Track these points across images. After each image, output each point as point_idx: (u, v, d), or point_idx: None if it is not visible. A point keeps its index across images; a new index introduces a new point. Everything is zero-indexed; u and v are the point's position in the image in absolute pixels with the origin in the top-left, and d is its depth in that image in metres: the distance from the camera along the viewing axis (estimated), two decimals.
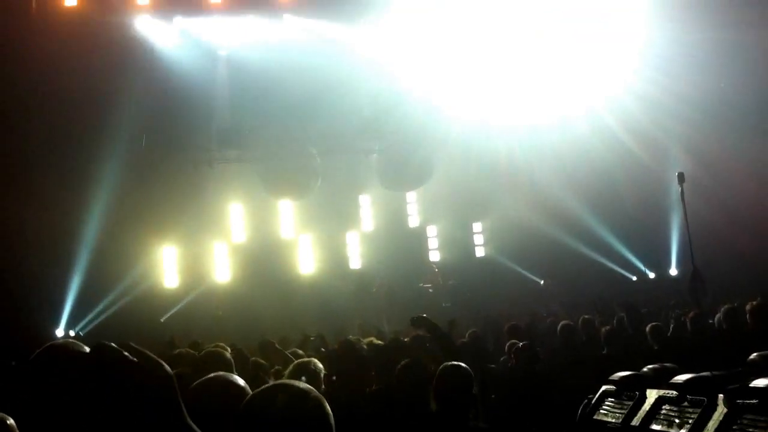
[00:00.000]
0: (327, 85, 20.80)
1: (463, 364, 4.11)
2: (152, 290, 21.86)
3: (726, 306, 9.56)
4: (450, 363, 4.09)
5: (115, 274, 20.75)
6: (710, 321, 8.83)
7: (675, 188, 10.57)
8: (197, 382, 2.69)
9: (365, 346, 5.38)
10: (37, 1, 19.84)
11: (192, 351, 6.12)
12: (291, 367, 4.25)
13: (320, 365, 4.22)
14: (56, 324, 20.08)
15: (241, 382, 2.65)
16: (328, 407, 2.05)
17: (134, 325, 19.01)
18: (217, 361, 3.88)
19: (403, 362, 4.65)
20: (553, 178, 22.98)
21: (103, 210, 20.38)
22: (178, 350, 6.81)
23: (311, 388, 2.10)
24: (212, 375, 2.71)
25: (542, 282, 23.11)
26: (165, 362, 1.82)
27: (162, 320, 21.18)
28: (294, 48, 21.09)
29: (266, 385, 2.12)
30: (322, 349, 9.50)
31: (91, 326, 20.41)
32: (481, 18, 21.54)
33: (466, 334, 10.14)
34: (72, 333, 20.18)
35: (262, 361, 6.25)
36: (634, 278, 23.44)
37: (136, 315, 19.90)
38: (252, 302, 20.46)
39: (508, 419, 4.63)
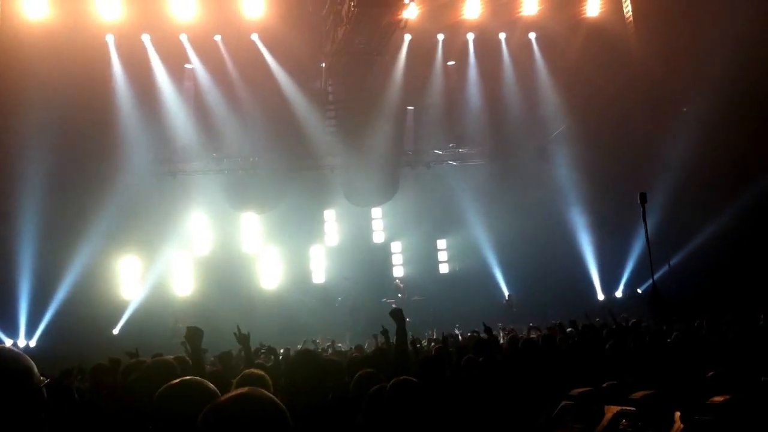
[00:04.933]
0: None
1: (413, 379, 4.11)
2: (109, 301, 21.49)
3: (685, 323, 9.69)
4: (402, 378, 4.09)
5: (72, 285, 20.34)
6: (668, 340, 8.92)
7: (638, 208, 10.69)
8: (167, 385, 2.64)
9: (325, 356, 5.36)
10: (2, 13, 19.58)
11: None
12: (238, 378, 4.19)
13: (266, 376, 4.16)
14: (8, 334, 19.60)
15: (211, 386, 2.61)
16: (289, 416, 2.03)
17: (87, 336, 18.74)
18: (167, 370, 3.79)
19: (360, 372, 4.62)
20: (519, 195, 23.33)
21: (62, 219, 20.08)
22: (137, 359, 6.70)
23: (271, 396, 2.08)
24: (183, 379, 2.67)
25: (505, 299, 23.18)
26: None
27: (115, 332, 20.81)
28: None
29: (229, 393, 2.10)
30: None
31: (41, 336, 20.00)
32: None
33: (432, 349, 10.11)
34: (25, 343, 19.73)
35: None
36: (601, 297, 23.57)
37: (90, 326, 19.57)
38: (213, 315, 20.12)
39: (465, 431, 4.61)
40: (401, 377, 4.10)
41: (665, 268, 18.78)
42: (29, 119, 19.54)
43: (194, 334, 5.01)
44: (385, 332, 8.24)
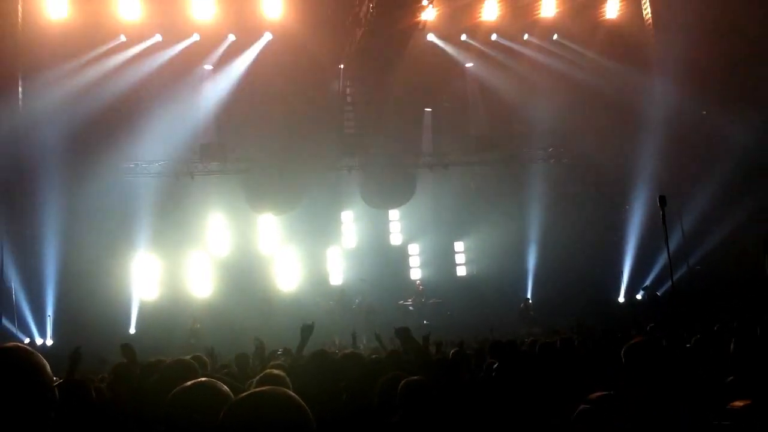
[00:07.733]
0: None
1: (424, 379, 4.14)
2: (127, 301, 21.62)
3: (706, 329, 9.56)
4: (413, 377, 4.12)
5: (91, 284, 20.45)
6: (687, 345, 8.82)
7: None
8: (179, 387, 2.61)
9: (339, 357, 5.38)
10: (23, 13, 19.83)
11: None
12: (257, 378, 4.20)
13: (285, 376, 4.17)
14: (25, 332, 19.75)
15: (225, 388, 2.58)
16: (310, 413, 2.01)
17: (104, 335, 18.83)
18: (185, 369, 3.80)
19: (387, 376, 4.65)
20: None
21: (80, 219, 20.25)
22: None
23: (293, 394, 2.06)
24: (196, 381, 2.63)
25: (522, 304, 23.02)
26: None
27: (131, 332, 20.92)
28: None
29: (246, 392, 2.09)
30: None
31: (58, 335, 20.09)
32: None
33: (450, 353, 10.04)
34: (41, 341, 19.86)
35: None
36: (622, 300, 23.35)
37: (108, 325, 19.66)
38: (231, 316, 20.25)
39: None
40: (416, 377, 4.14)
41: (685, 270, 18.66)
42: (49, 118, 19.73)
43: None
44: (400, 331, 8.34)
